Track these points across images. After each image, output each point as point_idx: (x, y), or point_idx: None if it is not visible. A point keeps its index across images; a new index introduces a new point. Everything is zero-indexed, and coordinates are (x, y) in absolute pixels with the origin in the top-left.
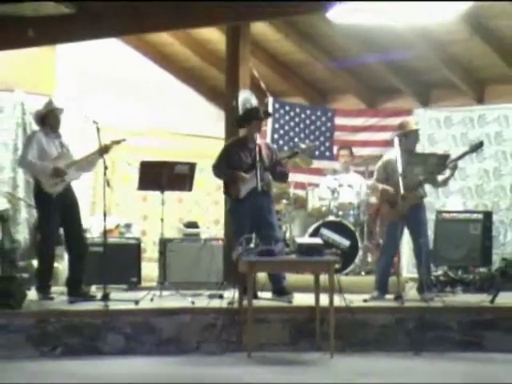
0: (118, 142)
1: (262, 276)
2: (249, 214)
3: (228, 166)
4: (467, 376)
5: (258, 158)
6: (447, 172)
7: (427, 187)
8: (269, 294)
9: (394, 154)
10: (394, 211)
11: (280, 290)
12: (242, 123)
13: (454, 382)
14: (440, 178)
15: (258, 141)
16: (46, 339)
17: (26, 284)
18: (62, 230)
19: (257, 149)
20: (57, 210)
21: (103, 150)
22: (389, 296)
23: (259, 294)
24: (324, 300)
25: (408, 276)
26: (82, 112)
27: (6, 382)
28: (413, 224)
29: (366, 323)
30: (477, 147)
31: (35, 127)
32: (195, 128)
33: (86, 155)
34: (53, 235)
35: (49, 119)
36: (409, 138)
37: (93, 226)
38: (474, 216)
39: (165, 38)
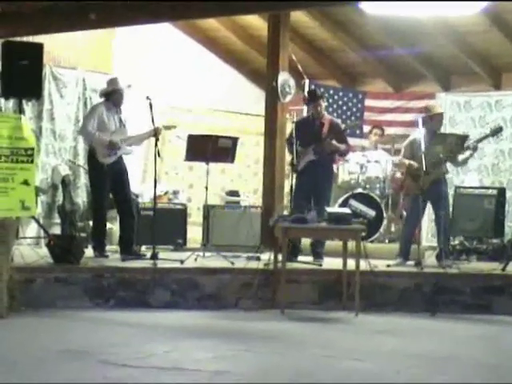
0: (168, 128)
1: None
2: (305, 184)
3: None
4: (476, 335)
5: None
6: (467, 152)
7: (449, 165)
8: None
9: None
10: (417, 185)
11: (315, 254)
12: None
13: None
14: (460, 157)
15: (325, 118)
16: (101, 292)
17: (84, 242)
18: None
19: (316, 125)
20: (107, 176)
21: (155, 133)
22: (410, 262)
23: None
24: (351, 264)
25: (427, 244)
26: (135, 90)
27: (64, 328)
28: (434, 197)
29: (388, 286)
30: (496, 131)
31: (95, 102)
32: (238, 106)
33: (139, 134)
34: (103, 199)
35: (113, 96)
36: (434, 120)
37: (144, 192)
38: (489, 192)
39: (212, 24)
